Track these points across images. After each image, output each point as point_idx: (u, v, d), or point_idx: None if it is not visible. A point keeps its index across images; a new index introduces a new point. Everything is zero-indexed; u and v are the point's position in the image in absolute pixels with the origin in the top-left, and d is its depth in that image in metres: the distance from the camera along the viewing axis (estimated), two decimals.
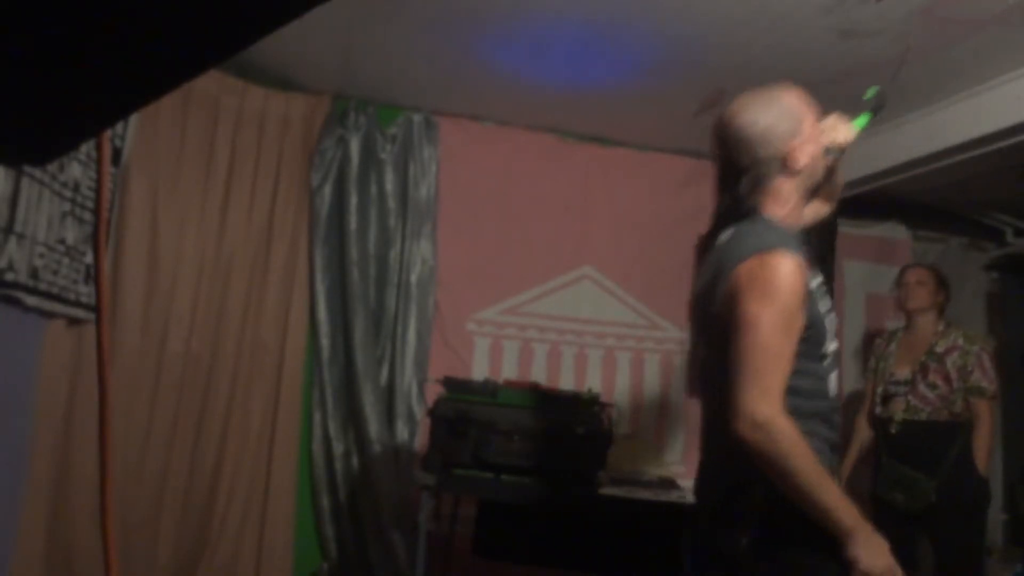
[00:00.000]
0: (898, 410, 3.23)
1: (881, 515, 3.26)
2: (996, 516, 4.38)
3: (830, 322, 1.58)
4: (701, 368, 1.69)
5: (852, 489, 3.49)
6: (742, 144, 1.57)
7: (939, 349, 3.21)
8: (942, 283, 3.37)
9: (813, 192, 1.67)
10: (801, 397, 1.49)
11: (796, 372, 1.48)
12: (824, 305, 1.58)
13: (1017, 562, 4.09)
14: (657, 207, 3.99)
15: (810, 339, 1.51)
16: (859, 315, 4.26)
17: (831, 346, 1.58)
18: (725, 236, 1.61)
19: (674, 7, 2.61)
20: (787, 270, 1.43)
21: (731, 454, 1.47)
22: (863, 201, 3.97)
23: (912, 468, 3.10)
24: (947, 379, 3.15)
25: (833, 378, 1.59)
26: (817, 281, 1.58)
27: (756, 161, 1.56)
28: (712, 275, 1.56)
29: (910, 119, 3.33)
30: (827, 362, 1.57)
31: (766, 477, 1.42)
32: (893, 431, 3.23)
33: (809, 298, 1.50)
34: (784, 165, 1.56)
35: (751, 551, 1.47)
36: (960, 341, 3.20)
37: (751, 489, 1.48)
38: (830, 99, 3.31)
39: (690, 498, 2.62)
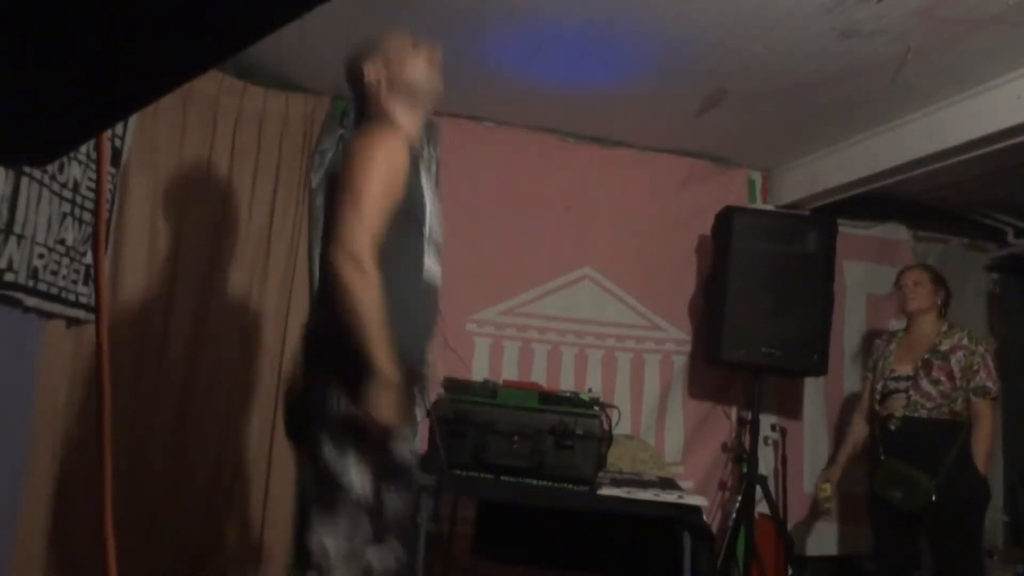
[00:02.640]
0: (898, 406, 3.22)
1: (879, 513, 3.25)
2: (997, 517, 4.38)
3: (433, 206, 1.90)
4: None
5: (847, 488, 3.50)
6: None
7: (943, 347, 3.20)
8: (939, 282, 3.36)
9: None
10: (401, 273, 1.78)
11: (397, 246, 1.77)
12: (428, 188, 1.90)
13: (1018, 563, 4.09)
14: (657, 207, 3.99)
15: (412, 215, 1.81)
16: (859, 315, 4.26)
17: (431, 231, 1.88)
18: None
19: (674, 7, 2.61)
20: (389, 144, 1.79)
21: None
22: (863, 201, 3.97)
23: (911, 466, 3.10)
24: (951, 376, 3.14)
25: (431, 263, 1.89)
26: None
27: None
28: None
29: (910, 119, 3.33)
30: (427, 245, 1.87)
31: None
32: (893, 428, 3.22)
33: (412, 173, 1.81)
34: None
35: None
36: (965, 341, 3.19)
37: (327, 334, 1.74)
38: (830, 99, 3.34)
39: (690, 498, 2.63)
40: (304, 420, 1.78)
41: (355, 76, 2.01)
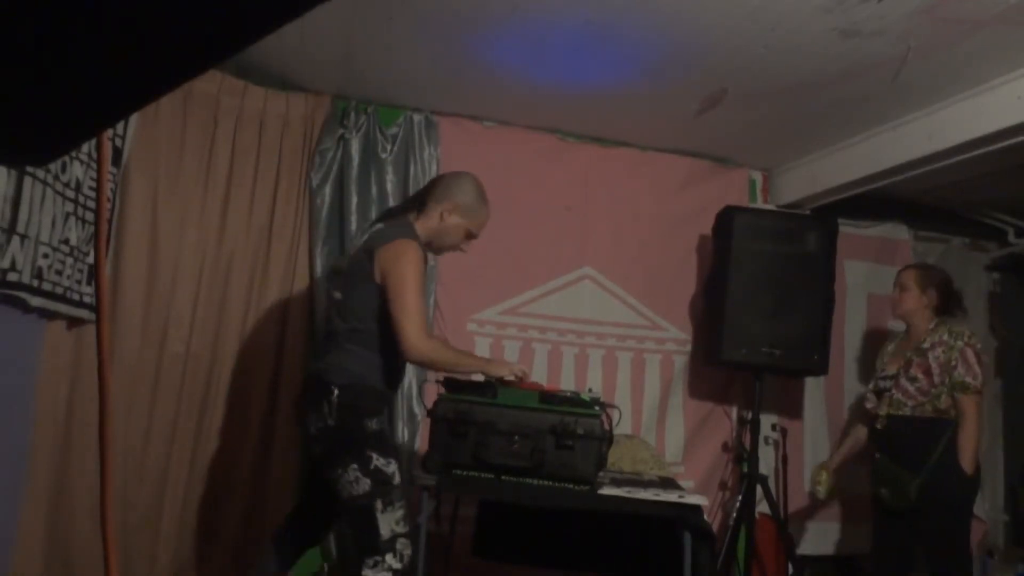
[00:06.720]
0: (884, 405, 3.23)
1: (877, 512, 3.26)
2: (997, 517, 4.37)
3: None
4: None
5: (848, 487, 3.49)
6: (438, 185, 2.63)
7: (925, 345, 3.19)
8: (929, 284, 3.27)
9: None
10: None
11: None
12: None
13: (1018, 563, 4.09)
14: (657, 207, 3.99)
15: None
16: (860, 315, 4.26)
17: None
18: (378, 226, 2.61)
19: (674, 7, 2.61)
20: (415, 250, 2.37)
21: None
22: (864, 201, 3.97)
23: (898, 464, 3.10)
24: (928, 373, 3.13)
25: None
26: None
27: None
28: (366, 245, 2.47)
29: (910, 119, 3.33)
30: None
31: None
32: (879, 427, 3.24)
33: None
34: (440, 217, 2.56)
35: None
36: (945, 336, 3.16)
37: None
38: (830, 99, 3.33)
39: (690, 498, 2.63)
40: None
41: (436, 187, 2.61)
